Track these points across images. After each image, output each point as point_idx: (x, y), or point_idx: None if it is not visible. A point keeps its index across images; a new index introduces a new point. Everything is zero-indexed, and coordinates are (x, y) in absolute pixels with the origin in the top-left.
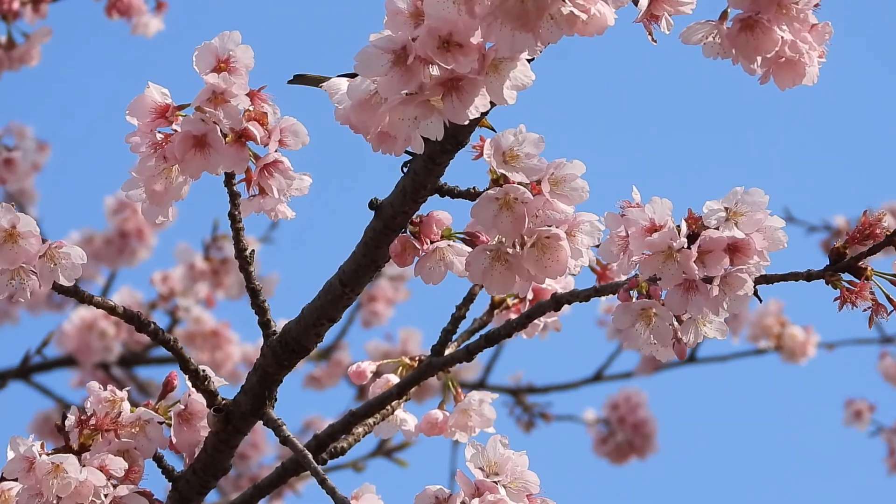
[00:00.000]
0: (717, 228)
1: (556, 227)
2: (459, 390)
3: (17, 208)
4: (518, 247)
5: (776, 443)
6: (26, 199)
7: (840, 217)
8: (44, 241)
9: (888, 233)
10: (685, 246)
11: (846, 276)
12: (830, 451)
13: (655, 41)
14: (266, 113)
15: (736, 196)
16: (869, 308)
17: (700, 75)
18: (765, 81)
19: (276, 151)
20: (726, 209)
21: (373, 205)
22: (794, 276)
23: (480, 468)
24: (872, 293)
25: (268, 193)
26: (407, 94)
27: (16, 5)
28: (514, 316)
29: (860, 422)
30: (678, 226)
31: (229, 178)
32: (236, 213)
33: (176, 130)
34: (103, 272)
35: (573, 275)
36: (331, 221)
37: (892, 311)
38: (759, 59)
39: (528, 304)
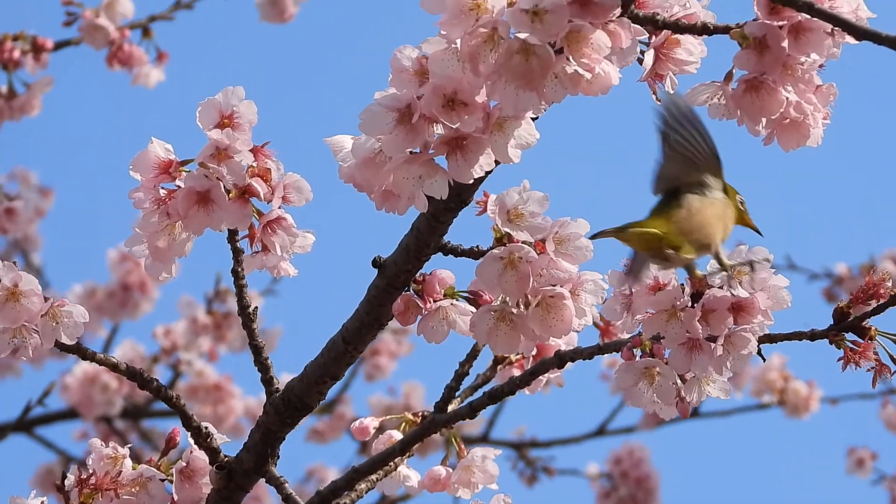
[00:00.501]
0: (720, 287)
1: (561, 287)
2: (462, 446)
3: (20, 257)
4: (522, 306)
5: (779, 496)
6: (30, 246)
7: (842, 264)
8: (46, 298)
9: (892, 292)
10: (689, 305)
11: (850, 336)
12: (833, 500)
13: (660, 101)
14: (269, 169)
15: (740, 255)
16: (872, 368)
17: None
18: (769, 142)
19: (279, 208)
20: (731, 267)
21: (376, 263)
22: (798, 336)
23: None
24: (876, 353)
25: (271, 250)
26: (411, 153)
27: (17, 55)
28: (517, 372)
29: (862, 470)
30: (682, 285)
31: (232, 234)
32: (239, 269)
33: (179, 186)
34: (106, 325)
35: (576, 331)
36: (333, 277)
37: (895, 370)
38: (763, 120)
39: (531, 360)
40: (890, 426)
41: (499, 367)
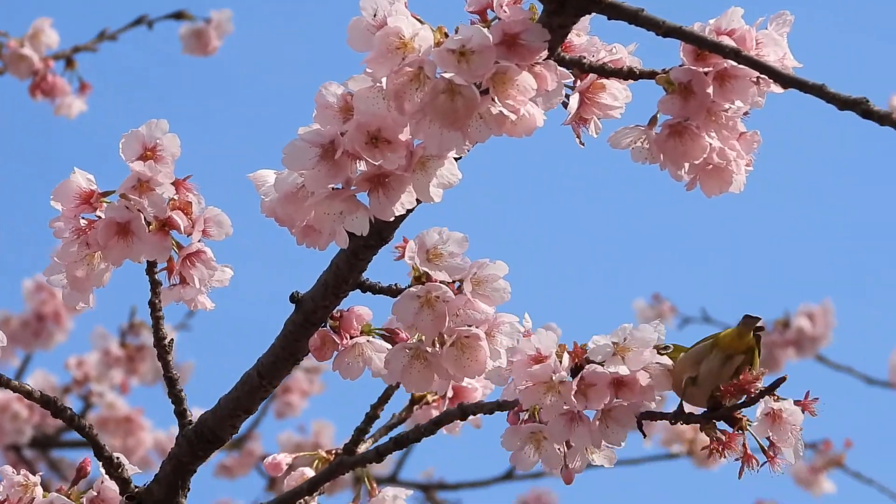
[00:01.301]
0: (602, 363)
1: (476, 328)
2: (374, 486)
3: None
4: (437, 345)
5: None
6: None
7: None
8: None
9: (762, 389)
10: (566, 379)
11: (721, 426)
12: None
13: (583, 144)
14: (191, 202)
15: (624, 332)
16: (739, 458)
17: (620, 171)
18: (691, 188)
19: (199, 241)
20: (614, 344)
21: (293, 298)
22: (675, 417)
23: None
24: (745, 444)
25: (189, 283)
26: (333, 189)
27: None
28: (435, 412)
29: None
30: (560, 356)
31: (151, 266)
32: (157, 301)
33: (100, 217)
34: (18, 354)
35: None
36: (249, 312)
37: (764, 462)
38: (686, 165)
39: (448, 402)
40: (799, 480)
41: (415, 407)
